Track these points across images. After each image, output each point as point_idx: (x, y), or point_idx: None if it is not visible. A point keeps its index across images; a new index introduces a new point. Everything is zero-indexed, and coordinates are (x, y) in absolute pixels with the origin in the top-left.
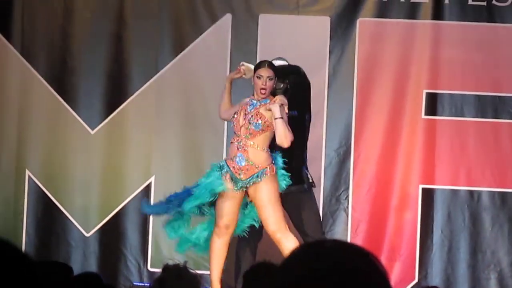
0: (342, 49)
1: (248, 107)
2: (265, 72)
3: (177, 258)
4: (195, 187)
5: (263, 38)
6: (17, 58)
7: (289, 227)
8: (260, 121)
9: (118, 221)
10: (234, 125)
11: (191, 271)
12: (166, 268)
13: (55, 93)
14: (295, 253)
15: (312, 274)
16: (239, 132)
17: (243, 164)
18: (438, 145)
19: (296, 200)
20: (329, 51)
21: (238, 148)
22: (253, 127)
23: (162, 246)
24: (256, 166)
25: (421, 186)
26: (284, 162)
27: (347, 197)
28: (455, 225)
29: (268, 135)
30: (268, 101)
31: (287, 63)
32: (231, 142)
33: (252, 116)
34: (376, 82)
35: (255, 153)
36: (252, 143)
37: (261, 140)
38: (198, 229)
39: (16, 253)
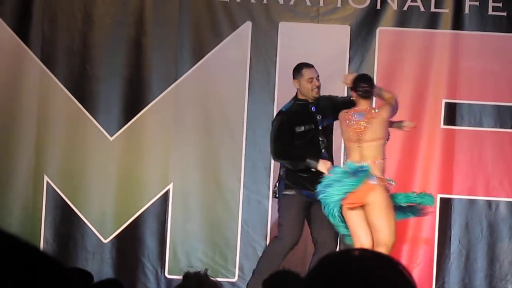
0: (362, 57)
1: None
2: None
3: (195, 266)
4: None
5: (283, 46)
6: (36, 64)
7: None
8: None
9: (136, 227)
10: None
11: (212, 278)
12: (187, 276)
13: (74, 99)
14: (323, 261)
15: (341, 282)
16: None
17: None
18: (456, 154)
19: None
20: (349, 60)
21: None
22: None
23: (180, 253)
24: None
25: (439, 196)
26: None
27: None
28: (473, 235)
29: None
30: None
31: None
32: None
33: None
34: (395, 91)
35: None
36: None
37: None
38: None
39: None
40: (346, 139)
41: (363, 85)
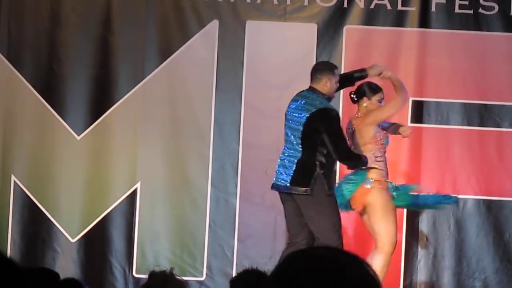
0: (329, 56)
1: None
2: None
3: (163, 265)
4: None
5: (250, 44)
6: (3, 63)
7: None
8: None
9: (104, 227)
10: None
11: (178, 277)
12: (153, 275)
13: (41, 98)
14: (287, 259)
15: (305, 280)
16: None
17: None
18: (424, 152)
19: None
20: (316, 58)
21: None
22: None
23: (148, 252)
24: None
25: None
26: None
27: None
28: (440, 233)
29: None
30: None
31: None
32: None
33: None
34: None
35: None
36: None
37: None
38: None
39: (2, 259)
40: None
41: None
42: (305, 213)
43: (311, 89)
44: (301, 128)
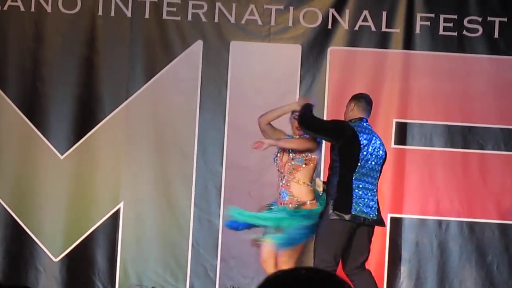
0: (313, 77)
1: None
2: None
3: (146, 285)
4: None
5: (234, 65)
6: None
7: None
8: (301, 156)
9: (87, 246)
10: (278, 163)
11: None
12: None
13: (24, 117)
14: (270, 280)
15: None
16: (282, 170)
17: (286, 198)
18: (407, 174)
19: None
20: (300, 79)
21: (281, 185)
22: (296, 162)
23: (130, 272)
24: (298, 200)
25: (389, 215)
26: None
27: None
28: (423, 255)
29: (309, 168)
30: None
31: None
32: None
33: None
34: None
35: (297, 187)
36: (293, 178)
37: (303, 175)
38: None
39: None
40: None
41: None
42: None
43: (366, 121)
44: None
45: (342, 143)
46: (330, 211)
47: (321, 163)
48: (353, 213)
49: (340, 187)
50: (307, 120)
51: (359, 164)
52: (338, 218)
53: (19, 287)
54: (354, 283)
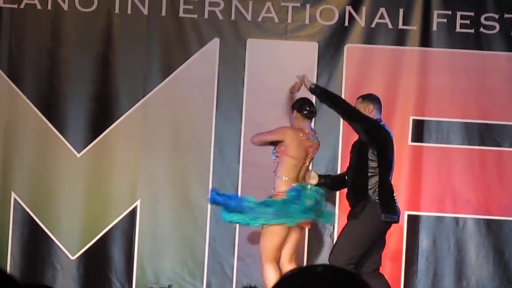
0: (330, 74)
1: None
2: None
3: (163, 282)
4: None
5: (251, 62)
6: (4, 80)
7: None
8: (274, 150)
9: (104, 244)
10: None
11: None
12: None
13: (41, 115)
14: (286, 278)
15: None
16: None
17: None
18: (424, 171)
19: None
20: (317, 77)
21: None
22: (273, 156)
23: (147, 270)
24: (276, 191)
25: (406, 213)
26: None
27: (333, 223)
28: (440, 252)
29: (282, 162)
30: None
31: None
32: None
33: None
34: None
35: (276, 180)
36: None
37: (278, 168)
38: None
39: (2, 275)
40: (295, 156)
41: (310, 107)
42: None
43: None
44: None
45: (381, 143)
46: (379, 212)
47: (338, 160)
48: (399, 214)
49: (382, 188)
50: (339, 100)
51: (392, 165)
52: (388, 220)
53: (36, 285)
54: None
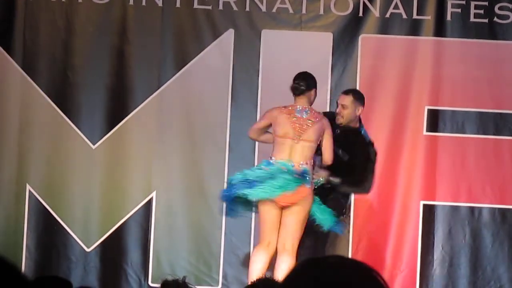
0: (344, 65)
1: None
2: None
3: (179, 274)
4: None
5: (266, 53)
6: (18, 72)
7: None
8: None
9: (119, 236)
10: None
11: (190, 286)
12: (165, 284)
13: (56, 107)
14: (299, 269)
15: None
16: None
17: None
18: (439, 161)
19: None
20: (331, 67)
21: None
22: None
23: (163, 262)
24: None
25: (422, 202)
26: None
27: (349, 213)
28: (456, 241)
29: (273, 143)
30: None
31: None
32: None
33: None
34: (378, 98)
35: None
36: None
37: None
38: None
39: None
40: (281, 134)
41: (295, 81)
42: None
43: None
44: None
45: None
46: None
47: None
48: None
49: None
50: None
51: None
52: None
53: (51, 277)
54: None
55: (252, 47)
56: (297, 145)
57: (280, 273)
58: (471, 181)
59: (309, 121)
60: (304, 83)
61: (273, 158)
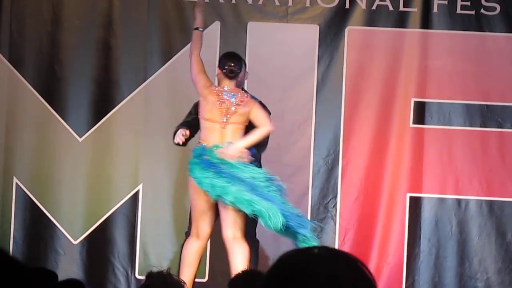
0: (331, 57)
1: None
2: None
3: (164, 266)
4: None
5: (252, 46)
6: (4, 65)
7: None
8: None
9: (106, 228)
10: None
11: (175, 277)
12: (150, 275)
13: (43, 100)
14: (283, 260)
15: (302, 281)
16: None
17: None
18: (426, 153)
19: None
20: (318, 59)
21: None
22: None
23: (150, 254)
24: None
25: (408, 195)
26: None
27: (335, 205)
28: (443, 234)
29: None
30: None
31: None
32: None
33: None
34: (364, 90)
35: None
36: None
37: None
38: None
39: (4, 256)
40: (208, 118)
41: (229, 63)
42: None
43: None
44: None
45: None
46: None
47: (340, 142)
48: None
49: None
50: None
51: None
52: None
53: (39, 269)
54: None
55: (238, 40)
56: (224, 129)
57: (241, 262)
58: (457, 173)
59: (237, 105)
60: (239, 66)
61: (203, 143)
